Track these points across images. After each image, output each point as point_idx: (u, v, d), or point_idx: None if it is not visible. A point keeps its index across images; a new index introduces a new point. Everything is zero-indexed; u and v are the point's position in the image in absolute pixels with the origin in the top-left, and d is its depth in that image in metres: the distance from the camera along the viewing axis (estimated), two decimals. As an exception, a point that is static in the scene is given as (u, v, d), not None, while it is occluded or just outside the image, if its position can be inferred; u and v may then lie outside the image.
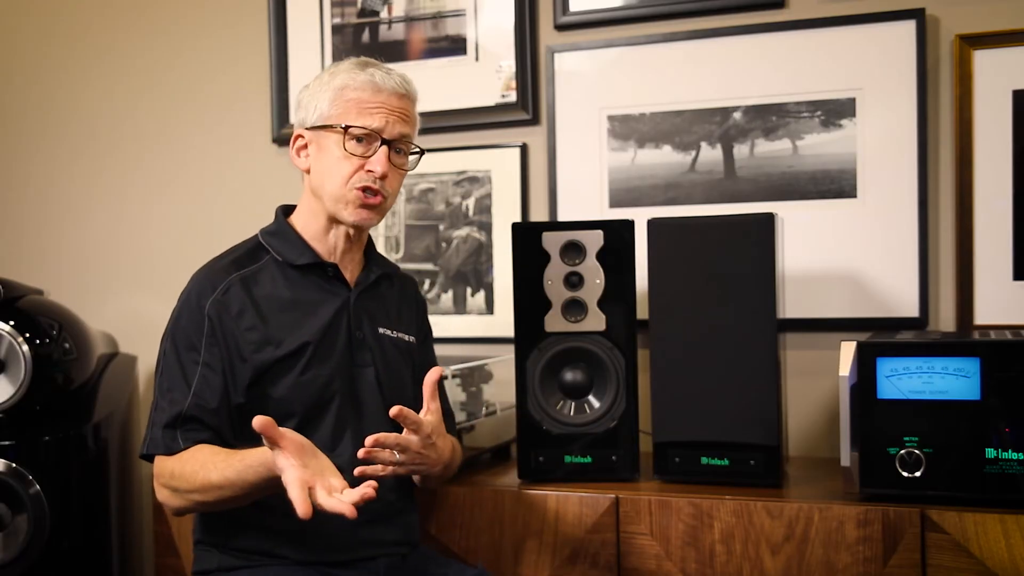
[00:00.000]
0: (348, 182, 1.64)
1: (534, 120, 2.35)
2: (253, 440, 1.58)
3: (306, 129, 1.68)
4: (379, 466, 1.52)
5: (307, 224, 1.71)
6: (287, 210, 1.77)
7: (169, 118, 2.69)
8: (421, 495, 1.84)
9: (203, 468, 1.51)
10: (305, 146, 1.69)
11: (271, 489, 1.45)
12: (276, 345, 1.62)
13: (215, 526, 1.64)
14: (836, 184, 2.11)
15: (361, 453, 1.48)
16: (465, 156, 2.40)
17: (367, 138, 1.64)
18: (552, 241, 1.87)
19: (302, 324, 1.64)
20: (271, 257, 1.68)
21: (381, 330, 1.74)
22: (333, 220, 1.69)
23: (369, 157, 1.64)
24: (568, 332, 1.86)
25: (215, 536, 1.65)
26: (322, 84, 1.67)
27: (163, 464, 1.57)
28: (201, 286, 1.63)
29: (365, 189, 1.64)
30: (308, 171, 1.70)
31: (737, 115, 2.17)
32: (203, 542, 1.67)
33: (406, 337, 1.79)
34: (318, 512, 1.32)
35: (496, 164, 2.38)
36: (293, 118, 1.75)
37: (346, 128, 1.63)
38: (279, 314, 1.64)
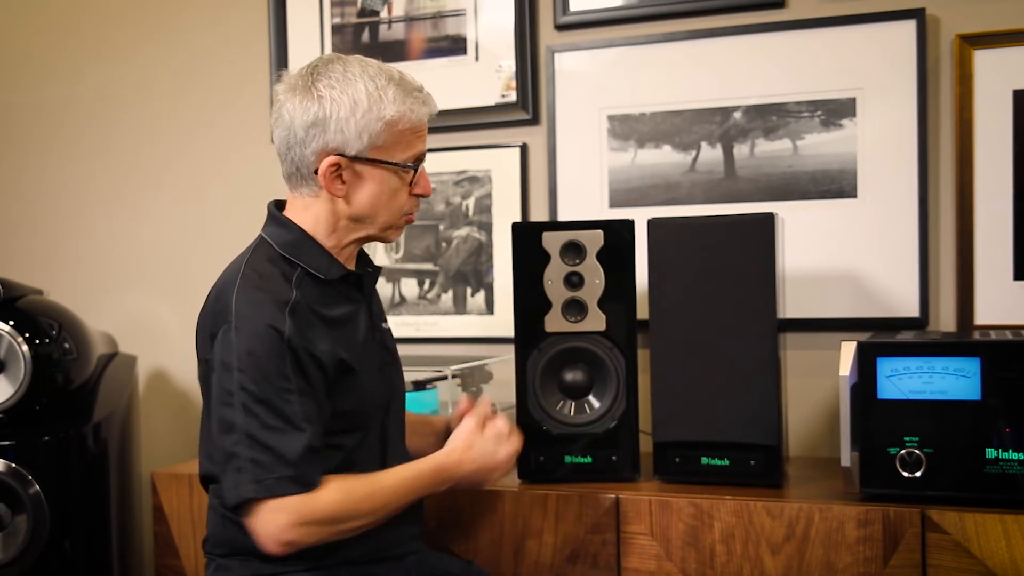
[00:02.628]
0: (402, 210, 1.64)
1: (534, 120, 2.35)
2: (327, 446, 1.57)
3: (345, 158, 1.56)
4: None
5: (327, 239, 1.62)
6: (280, 208, 1.68)
7: (168, 117, 2.69)
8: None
9: (370, 494, 1.54)
10: (340, 173, 1.57)
11: (434, 489, 1.65)
12: (340, 359, 1.57)
13: (246, 535, 1.55)
14: (836, 184, 2.11)
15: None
16: (465, 156, 2.40)
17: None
18: (552, 241, 1.87)
19: (349, 338, 1.60)
20: (302, 269, 1.59)
21: (384, 326, 1.74)
22: (368, 239, 1.65)
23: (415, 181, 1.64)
24: (568, 332, 1.86)
25: (247, 544, 1.55)
26: (366, 111, 1.54)
27: (304, 503, 1.47)
28: (268, 312, 1.50)
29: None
30: (342, 198, 1.59)
31: (737, 115, 2.17)
32: (231, 554, 1.58)
33: (388, 325, 1.79)
34: None
35: (496, 164, 2.38)
36: (308, 138, 1.56)
37: (415, 166, 1.61)
38: (334, 330, 1.58)
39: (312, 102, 1.55)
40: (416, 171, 1.62)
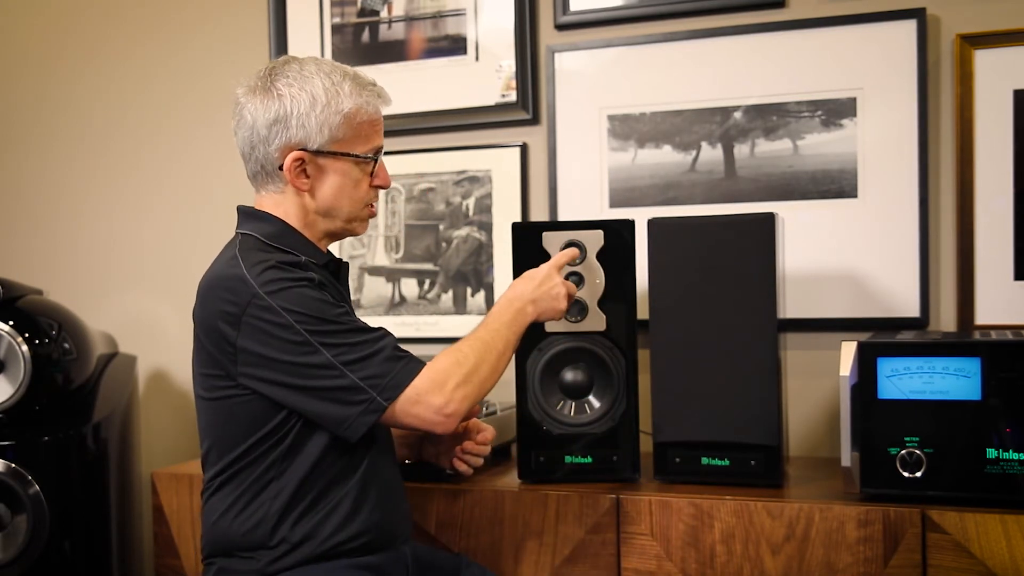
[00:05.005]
0: (364, 201, 1.67)
1: (534, 120, 2.35)
2: None
3: (308, 152, 1.60)
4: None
5: (303, 233, 1.66)
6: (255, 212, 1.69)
7: (167, 117, 2.69)
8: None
9: (471, 338, 1.60)
10: (304, 168, 1.61)
11: (516, 318, 1.67)
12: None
13: (256, 534, 1.56)
14: (836, 184, 2.11)
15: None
16: (465, 156, 2.40)
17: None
18: (552, 241, 1.86)
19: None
20: (294, 256, 1.62)
21: None
22: (336, 233, 1.69)
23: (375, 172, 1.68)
24: (568, 332, 1.86)
25: (249, 540, 1.57)
26: (325, 105, 1.59)
27: (432, 374, 1.54)
28: (290, 273, 1.54)
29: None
30: (307, 192, 1.63)
31: (737, 115, 2.17)
32: (232, 554, 1.58)
33: None
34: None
35: (496, 164, 2.38)
36: (271, 135, 1.62)
37: (375, 158, 1.65)
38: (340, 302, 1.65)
39: (273, 100, 1.61)
40: (376, 163, 1.67)
